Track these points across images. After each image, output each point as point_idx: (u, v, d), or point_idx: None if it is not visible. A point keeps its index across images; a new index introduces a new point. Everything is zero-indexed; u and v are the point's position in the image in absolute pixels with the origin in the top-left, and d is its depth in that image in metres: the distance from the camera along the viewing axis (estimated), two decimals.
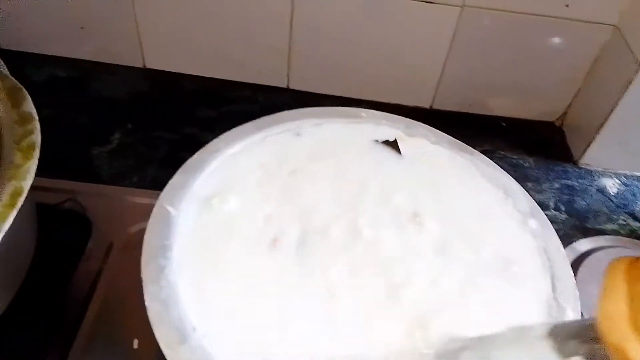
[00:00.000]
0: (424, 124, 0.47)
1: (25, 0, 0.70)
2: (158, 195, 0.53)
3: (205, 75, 0.77)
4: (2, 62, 0.43)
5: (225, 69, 0.76)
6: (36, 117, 0.35)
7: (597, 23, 0.66)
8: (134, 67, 0.76)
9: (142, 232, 0.52)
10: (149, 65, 0.77)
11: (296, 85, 0.77)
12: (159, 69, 0.77)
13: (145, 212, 0.53)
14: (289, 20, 0.69)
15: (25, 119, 0.35)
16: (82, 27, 0.73)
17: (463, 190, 0.42)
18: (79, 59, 0.76)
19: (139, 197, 0.56)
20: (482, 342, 0.31)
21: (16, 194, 0.30)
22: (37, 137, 0.34)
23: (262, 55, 0.74)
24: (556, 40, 0.68)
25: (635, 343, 0.22)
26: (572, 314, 0.33)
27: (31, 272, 0.42)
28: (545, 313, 0.33)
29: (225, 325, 0.32)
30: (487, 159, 0.44)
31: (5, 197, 0.30)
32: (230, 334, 0.31)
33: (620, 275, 0.23)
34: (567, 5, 0.64)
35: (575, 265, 0.57)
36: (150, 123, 0.69)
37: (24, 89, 0.37)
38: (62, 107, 0.69)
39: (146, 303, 0.30)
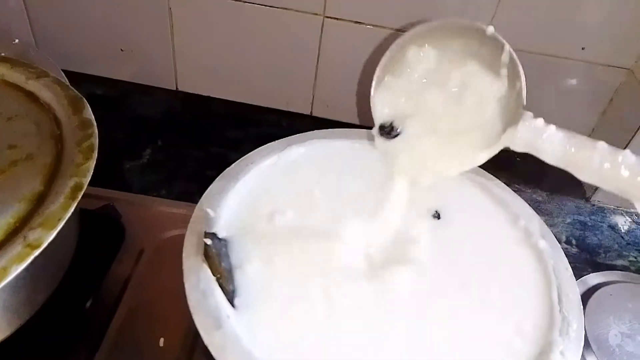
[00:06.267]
0: None
1: (70, 22, 0.75)
2: (188, 206, 0.56)
3: (234, 100, 0.80)
4: (63, 75, 0.47)
5: (252, 95, 0.79)
6: (94, 123, 0.39)
7: (612, 66, 0.67)
8: (167, 89, 0.80)
9: (171, 239, 0.55)
10: (181, 88, 0.80)
11: (319, 113, 0.79)
12: (191, 92, 0.80)
13: (175, 221, 0.56)
14: (316, 52, 0.72)
15: (85, 124, 0.39)
16: (121, 50, 0.77)
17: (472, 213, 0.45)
18: (116, 79, 0.80)
19: (169, 207, 0.59)
20: None
21: (77, 188, 0.34)
22: (95, 140, 0.38)
23: (288, 83, 0.77)
24: (572, 81, 0.70)
25: None
26: (576, 327, 0.35)
27: (68, 272, 0.45)
28: (551, 324, 0.36)
29: (256, 313, 0.34)
30: (502, 183, 0.46)
31: (68, 190, 0.33)
32: (261, 321, 0.34)
33: None
34: (583, 48, 0.66)
35: (585, 297, 0.58)
36: (180, 141, 0.73)
37: (84, 99, 0.40)
38: (98, 122, 0.72)
39: (187, 292, 0.33)
